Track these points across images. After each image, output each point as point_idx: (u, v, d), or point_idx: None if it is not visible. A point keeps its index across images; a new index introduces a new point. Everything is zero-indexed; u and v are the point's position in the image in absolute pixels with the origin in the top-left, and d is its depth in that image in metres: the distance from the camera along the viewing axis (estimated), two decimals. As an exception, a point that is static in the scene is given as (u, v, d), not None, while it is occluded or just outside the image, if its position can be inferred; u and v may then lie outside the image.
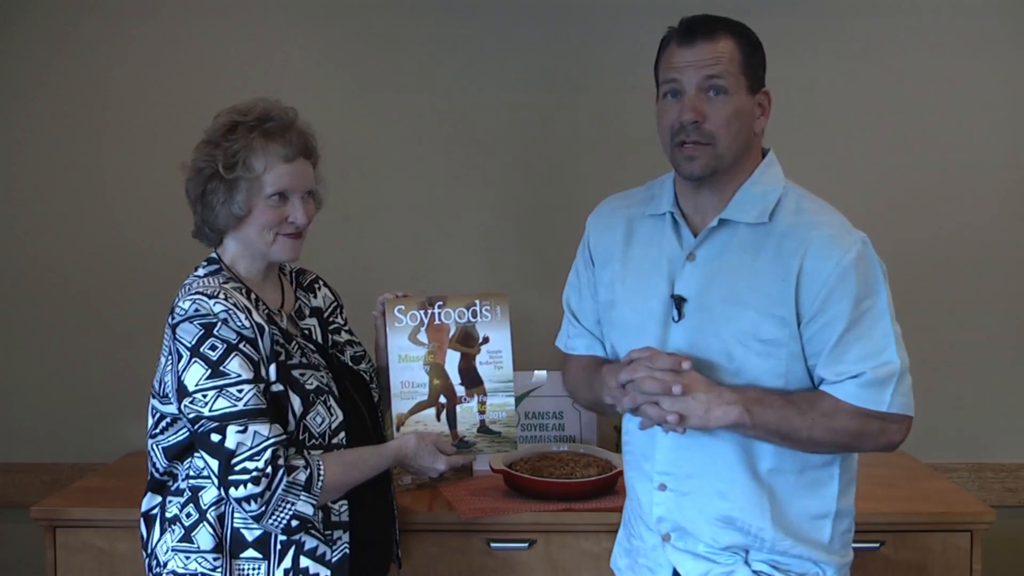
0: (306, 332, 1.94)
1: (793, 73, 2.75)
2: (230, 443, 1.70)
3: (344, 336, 2.05)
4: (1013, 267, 2.80)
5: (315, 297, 2.03)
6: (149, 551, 1.86)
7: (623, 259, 1.82)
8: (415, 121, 2.85)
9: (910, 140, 2.80)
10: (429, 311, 1.98)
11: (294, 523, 1.74)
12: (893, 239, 2.70)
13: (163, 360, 1.83)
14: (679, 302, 1.72)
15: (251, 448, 1.70)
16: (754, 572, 1.72)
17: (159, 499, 1.86)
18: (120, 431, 2.85)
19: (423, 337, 1.98)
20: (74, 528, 2.37)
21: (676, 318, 1.72)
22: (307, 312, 1.98)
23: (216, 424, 1.71)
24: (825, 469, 1.74)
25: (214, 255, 1.90)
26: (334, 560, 1.82)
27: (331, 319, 2.04)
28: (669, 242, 1.76)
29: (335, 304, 2.07)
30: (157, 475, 1.87)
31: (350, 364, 2.01)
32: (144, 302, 2.80)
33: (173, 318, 1.78)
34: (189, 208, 1.91)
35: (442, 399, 1.98)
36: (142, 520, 1.89)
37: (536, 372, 2.64)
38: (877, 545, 2.28)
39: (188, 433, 1.79)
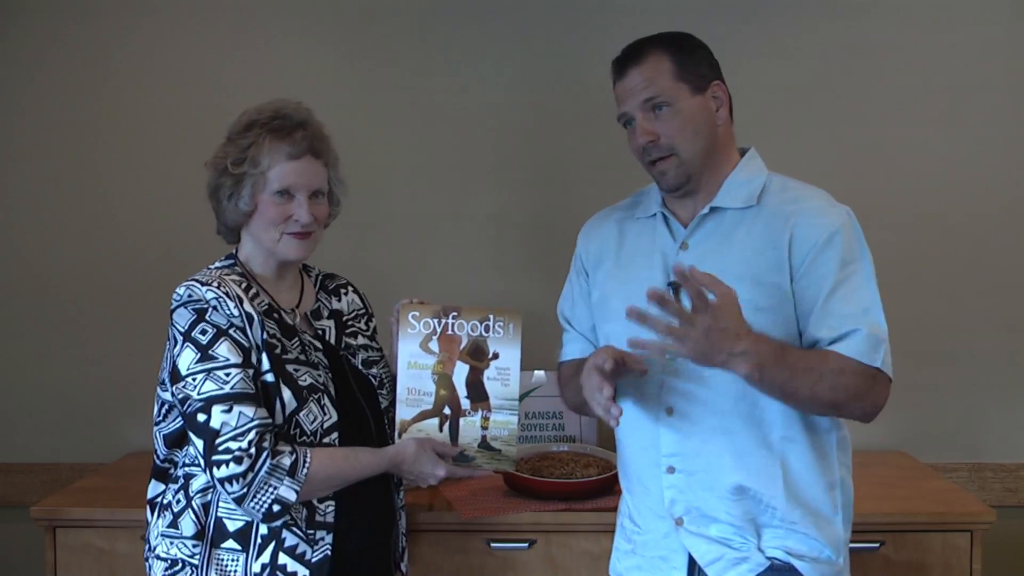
0: (320, 332, 1.95)
1: (784, 74, 2.77)
2: (215, 423, 1.72)
3: (360, 340, 2.02)
4: (1012, 267, 2.80)
5: (338, 301, 2.03)
6: (147, 536, 1.89)
7: (616, 257, 1.89)
8: (421, 126, 2.85)
9: (908, 141, 2.80)
10: (443, 320, 1.95)
11: (275, 508, 1.73)
12: (891, 240, 2.71)
13: (167, 349, 1.86)
14: (676, 289, 1.75)
15: (235, 428, 1.72)
16: (768, 558, 1.74)
17: (162, 487, 1.89)
18: (120, 431, 2.85)
19: (434, 346, 1.96)
20: (74, 528, 2.37)
21: None
22: (325, 314, 1.99)
23: (202, 404, 1.73)
24: (826, 435, 1.78)
25: (233, 252, 1.93)
26: (314, 560, 1.80)
27: (351, 323, 2.03)
28: (661, 236, 1.83)
29: (362, 312, 2.07)
30: (158, 462, 1.90)
31: (360, 367, 1.99)
32: (144, 302, 2.80)
33: (171, 304, 1.81)
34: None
35: (446, 410, 1.94)
36: (148, 507, 1.92)
37: (536, 372, 2.64)
38: (877, 545, 2.28)
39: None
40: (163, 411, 1.88)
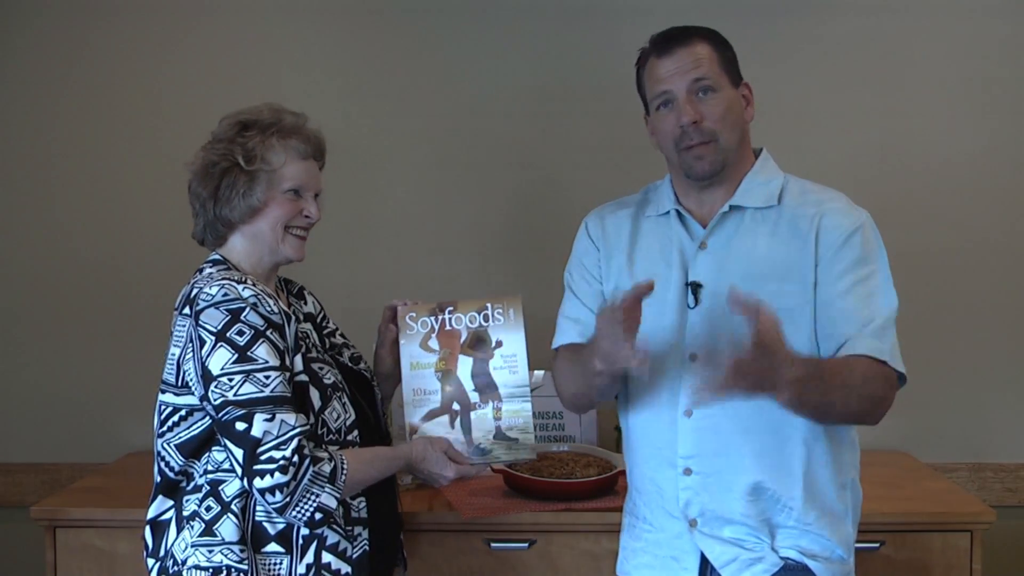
0: (305, 334, 1.95)
1: (783, 76, 2.77)
2: (256, 431, 1.68)
3: (339, 339, 2.05)
4: (1012, 267, 2.80)
5: (305, 304, 2.03)
6: (163, 553, 1.81)
7: (629, 253, 1.86)
8: (411, 127, 2.85)
9: (909, 141, 2.80)
10: (439, 317, 1.94)
11: (317, 516, 1.72)
12: (891, 240, 2.71)
13: (177, 350, 1.79)
14: (695, 288, 1.75)
15: (277, 437, 1.68)
16: (782, 558, 1.74)
17: (171, 503, 1.82)
18: (120, 431, 2.85)
19: (434, 344, 1.94)
20: (74, 528, 2.36)
21: (692, 304, 1.75)
22: (301, 317, 1.98)
23: (243, 411, 1.69)
24: (842, 435, 1.78)
25: (217, 256, 1.89)
26: (354, 556, 1.81)
27: (323, 324, 2.05)
28: (678, 234, 1.81)
29: (322, 310, 2.08)
30: (171, 476, 1.82)
31: (350, 364, 2.01)
32: (144, 302, 2.80)
33: (197, 304, 1.75)
34: (191, 209, 1.90)
35: (455, 406, 1.93)
36: (148, 527, 1.84)
37: (536, 372, 2.64)
38: (877, 545, 2.28)
39: (206, 425, 1.77)
40: (170, 420, 1.81)
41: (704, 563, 1.77)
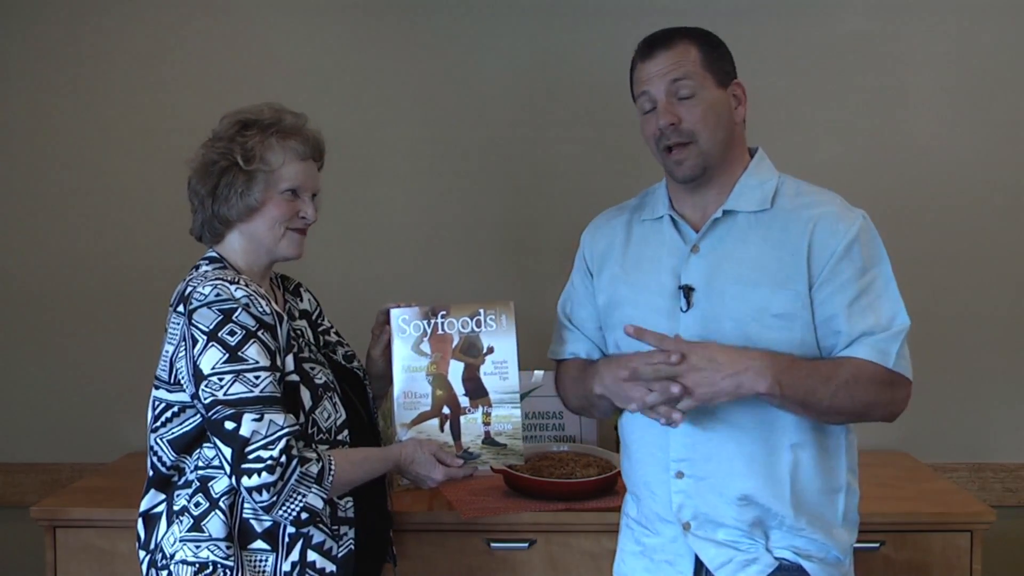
0: (299, 332, 1.95)
1: (782, 77, 2.77)
2: (245, 431, 1.69)
3: (334, 337, 2.06)
4: (1012, 267, 2.80)
5: (301, 301, 2.04)
6: (153, 546, 1.84)
7: (622, 261, 1.87)
8: (407, 128, 2.85)
9: (909, 141, 2.80)
10: (432, 321, 1.95)
11: (303, 515, 1.73)
12: (889, 240, 2.71)
13: (171, 348, 1.81)
14: (687, 292, 1.75)
15: (266, 437, 1.70)
16: (776, 559, 1.74)
17: (162, 496, 1.84)
18: (120, 431, 2.85)
19: (426, 347, 1.95)
20: (74, 528, 2.37)
21: (684, 308, 1.75)
22: (296, 314, 1.99)
23: (232, 411, 1.70)
24: (835, 440, 1.78)
25: (214, 253, 1.90)
26: (340, 555, 1.82)
27: (319, 321, 2.05)
28: (670, 239, 1.81)
29: (319, 307, 2.08)
30: (163, 470, 1.84)
31: (343, 363, 2.02)
32: (144, 302, 2.80)
33: (191, 303, 1.76)
34: (189, 206, 1.91)
35: (445, 410, 1.94)
36: (141, 520, 1.87)
37: (536, 372, 2.64)
38: (877, 545, 2.28)
39: (198, 422, 1.79)
40: (164, 415, 1.83)
41: (698, 567, 1.78)
